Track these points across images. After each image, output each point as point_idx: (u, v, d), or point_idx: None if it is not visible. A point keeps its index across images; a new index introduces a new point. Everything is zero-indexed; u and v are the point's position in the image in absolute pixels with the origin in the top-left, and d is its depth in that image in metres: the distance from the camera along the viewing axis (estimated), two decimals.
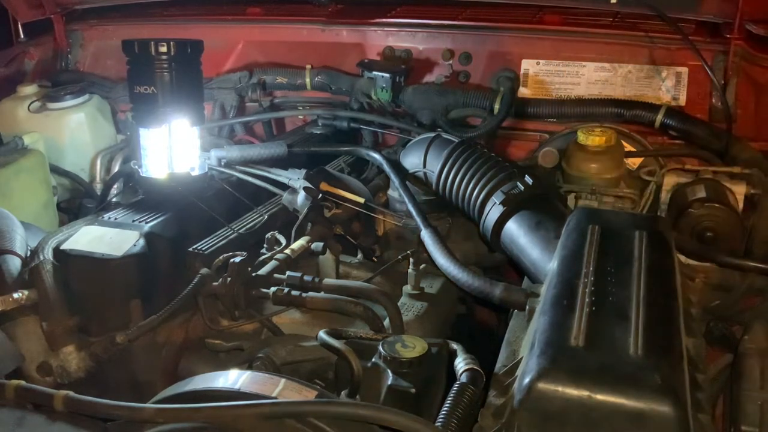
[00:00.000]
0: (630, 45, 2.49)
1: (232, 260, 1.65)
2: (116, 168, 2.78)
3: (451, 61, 2.63)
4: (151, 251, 1.79)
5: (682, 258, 1.71)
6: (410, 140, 2.25)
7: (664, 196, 2.10)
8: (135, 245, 1.78)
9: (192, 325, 1.71)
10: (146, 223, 1.88)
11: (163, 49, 1.98)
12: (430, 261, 1.77)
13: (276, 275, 1.67)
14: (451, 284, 1.73)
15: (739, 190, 2.03)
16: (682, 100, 2.45)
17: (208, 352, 1.63)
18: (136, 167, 2.12)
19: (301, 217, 1.92)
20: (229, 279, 1.62)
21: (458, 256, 1.72)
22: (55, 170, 2.65)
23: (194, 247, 1.81)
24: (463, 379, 1.20)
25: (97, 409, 1.09)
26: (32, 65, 3.05)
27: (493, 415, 1.11)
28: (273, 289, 1.63)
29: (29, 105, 2.70)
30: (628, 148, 2.29)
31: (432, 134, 2.16)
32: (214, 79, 2.80)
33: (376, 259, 2.07)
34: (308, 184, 1.96)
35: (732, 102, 2.35)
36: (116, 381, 1.70)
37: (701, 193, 1.96)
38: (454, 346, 1.32)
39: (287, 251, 1.76)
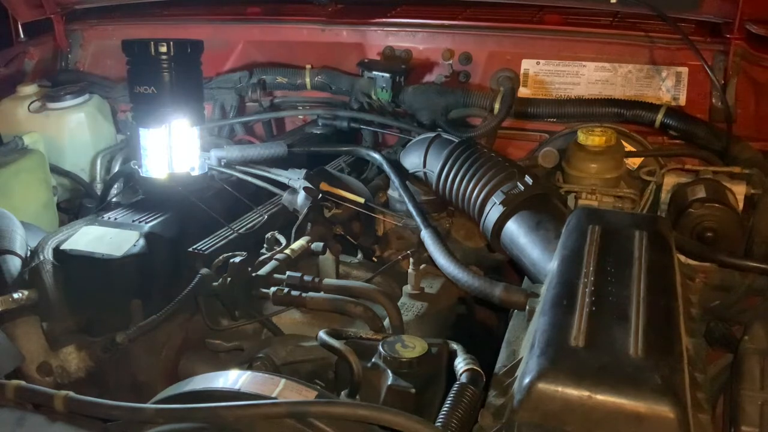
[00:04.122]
0: (630, 45, 2.50)
1: (232, 260, 1.65)
2: (116, 168, 2.78)
3: (451, 61, 2.62)
4: (151, 251, 1.80)
5: (682, 258, 1.71)
6: (410, 140, 2.25)
7: (664, 196, 2.10)
8: (135, 245, 1.79)
9: (192, 325, 1.71)
10: (146, 223, 1.89)
11: (163, 49, 1.99)
12: (430, 261, 1.77)
13: (276, 275, 1.67)
14: (451, 284, 1.73)
15: (739, 190, 2.03)
16: (682, 100, 2.45)
17: (208, 352, 1.63)
18: (136, 167, 2.12)
19: (301, 217, 1.91)
20: (229, 279, 1.62)
21: (458, 256, 1.72)
22: (55, 170, 2.65)
23: (194, 247, 1.81)
24: (463, 379, 1.20)
25: (97, 409, 1.09)
26: (32, 65, 3.04)
27: (493, 415, 1.11)
28: (273, 289, 1.62)
29: (29, 105, 2.71)
30: (628, 148, 2.29)
31: (432, 134, 2.16)
32: (214, 79, 2.80)
33: (376, 259, 2.07)
34: (308, 184, 1.96)
35: (732, 102, 2.36)
36: (116, 381, 1.70)
37: (701, 193, 1.96)
38: (454, 346, 1.32)
39: (287, 251, 1.76)
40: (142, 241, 1.80)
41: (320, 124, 2.61)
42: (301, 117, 2.86)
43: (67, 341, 1.68)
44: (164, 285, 1.77)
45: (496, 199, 1.78)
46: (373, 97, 2.55)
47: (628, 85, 2.50)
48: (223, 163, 2.17)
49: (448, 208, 2.12)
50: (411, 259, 1.79)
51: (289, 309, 1.66)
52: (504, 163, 1.88)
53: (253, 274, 1.66)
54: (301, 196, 1.97)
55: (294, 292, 1.60)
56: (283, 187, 2.08)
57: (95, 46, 3.11)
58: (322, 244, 1.81)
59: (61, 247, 1.79)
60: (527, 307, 1.38)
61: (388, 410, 1.04)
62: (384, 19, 2.78)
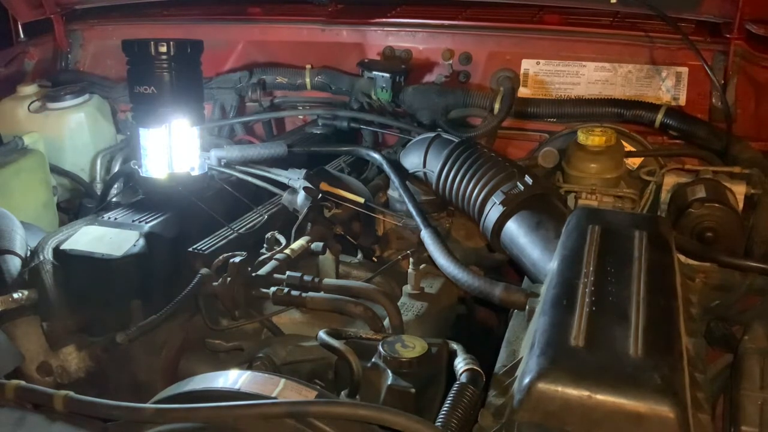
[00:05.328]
0: (630, 45, 2.50)
1: (232, 260, 1.65)
2: (116, 168, 2.78)
3: (451, 61, 2.62)
4: (151, 251, 1.80)
5: (682, 258, 1.71)
6: (410, 140, 2.25)
7: (664, 196, 2.10)
8: (135, 245, 1.79)
9: (192, 325, 1.71)
10: (146, 223, 1.89)
11: (163, 49, 1.99)
12: (430, 261, 1.77)
13: (276, 275, 1.67)
14: (451, 284, 1.73)
15: (739, 190, 2.03)
16: (682, 100, 2.45)
17: (208, 352, 1.63)
18: (136, 167, 2.12)
19: (301, 217, 1.91)
20: (229, 279, 1.62)
21: (458, 256, 1.72)
22: (55, 170, 2.65)
23: (194, 247, 1.81)
24: (463, 379, 1.20)
25: (97, 409, 1.09)
26: (32, 65, 3.05)
27: (493, 415, 1.11)
28: (273, 289, 1.62)
29: (29, 105, 2.71)
30: (628, 148, 2.29)
31: (432, 134, 2.16)
32: (214, 79, 2.80)
33: (376, 259, 2.07)
34: (308, 184, 1.96)
35: (732, 102, 2.36)
36: (116, 381, 1.70)
37: (701, 193, 1.95)
38: (454, 346, 1.32)
39: (287, 251, 1.76)
40: (142, 241, 1.80)
41: (320, 124, 2.60)
42: (301, 117, 2.86)
43: (67, 341, 1.68)
44: (164, 285, 1.77)
45: (496, 199, 1.78)
46: (373, 97, 2.55)
47: (628, 85, 2.50)
48: (223, 163, 2.17)
49: (448, 208, 2.12)
50: (411, 259, 1.79)
51: (289, 309, 1.66)
52: (504, 163, 1.88)
53: (253, 274, 1.66)
54: (301, 196, 1.97)
55: (294, 292, 1.60)
56: (283, 187, 2.08)
57: (95, 46, 3.11)
58: (322, 244, 1.81)
59: (61, 247, 1.80)
60: (527, 307, 1.38)
61: (388, 410, 1.04)
62: (384, 19, 2.78)
